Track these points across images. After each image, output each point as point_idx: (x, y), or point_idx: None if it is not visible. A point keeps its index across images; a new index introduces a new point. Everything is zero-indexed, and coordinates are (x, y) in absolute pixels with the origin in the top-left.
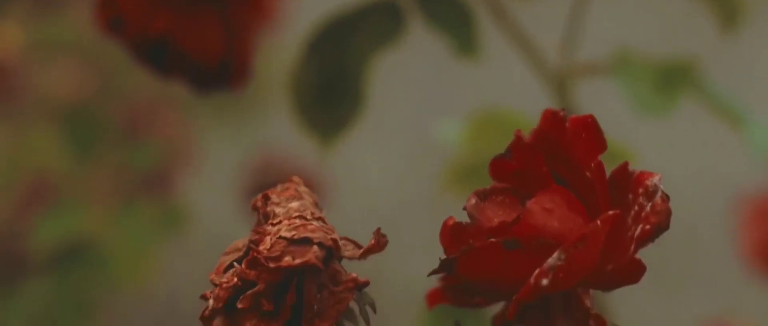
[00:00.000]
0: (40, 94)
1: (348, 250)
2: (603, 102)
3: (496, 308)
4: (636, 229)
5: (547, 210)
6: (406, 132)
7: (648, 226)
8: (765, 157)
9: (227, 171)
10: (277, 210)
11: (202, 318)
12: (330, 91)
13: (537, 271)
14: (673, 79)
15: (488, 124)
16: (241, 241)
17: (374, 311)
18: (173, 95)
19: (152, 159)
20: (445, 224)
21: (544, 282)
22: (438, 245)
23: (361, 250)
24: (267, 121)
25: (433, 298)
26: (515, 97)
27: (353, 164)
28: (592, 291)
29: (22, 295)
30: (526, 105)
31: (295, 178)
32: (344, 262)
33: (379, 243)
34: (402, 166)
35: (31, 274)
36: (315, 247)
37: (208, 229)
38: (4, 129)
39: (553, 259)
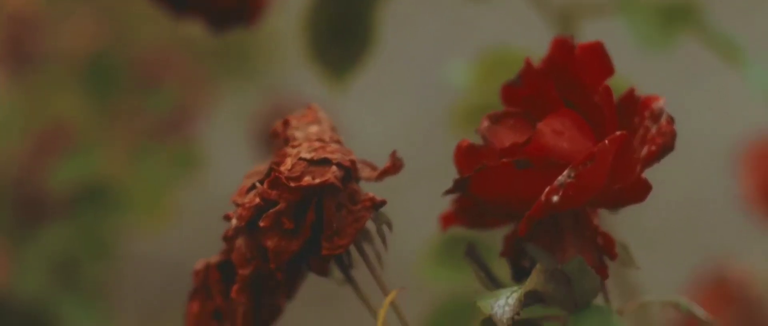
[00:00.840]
0: (57, 44)
1: (365, 172)
2: (607, 42)
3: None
4: (642, 150)
5: (557, 132)
6: (415, 74)
7: (654, 147)
8: (765, 96)
9: (239, 117)
10: (297, 134)
11: (225, 237)
12: (342, 29)
13: (547, 189)
14: (675, 17)
15: (496, 64)
16: (262, 165)
17: (390, 229)
18: (187, 43)
19: (167, 104)
20: (458, 146)
21: (555, 198)
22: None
23: (378, 172)
24: (278, 68)
25: (447, 220)
26: (521, 38)
27: (363, 108)
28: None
29: (41, 238)
30: (533, 46)
31: (314, 105)
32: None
33: (395, 165)
34: (411, 109)
35: (49, 217)
36: (334, 168)
37: (220, 172)
38: (23, 79)
39: (563, 177)
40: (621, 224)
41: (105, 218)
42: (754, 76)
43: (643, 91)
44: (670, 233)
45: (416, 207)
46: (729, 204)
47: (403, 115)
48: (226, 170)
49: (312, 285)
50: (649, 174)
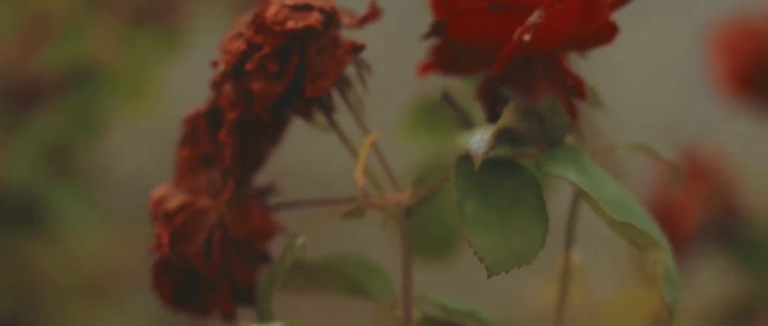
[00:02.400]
0: None
1: (346, 19)
2: None
3: None
4: None
5: None
6: None
7: None
8: None
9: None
10: None
11: (213, 83)
12: None
13: (519, 29)
14: None
15: None
16: (248, 15)
17: (370, 73)
18: None
19: None
20: None
21: (526, 37)
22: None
23: (358, 18)
24: None
25: (424, 69)
26: None
27: None
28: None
29: (31, 125)
30: None
31: None
32: None
33: (374, 12)
34: None
35: (39, 104)
36: (316, 12)
37: (208, 52)
38: None
39: (533, 17)
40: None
41: (94, 101)
42: None
43: None
44: (639, 113)
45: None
46: (698, 84)
47: None
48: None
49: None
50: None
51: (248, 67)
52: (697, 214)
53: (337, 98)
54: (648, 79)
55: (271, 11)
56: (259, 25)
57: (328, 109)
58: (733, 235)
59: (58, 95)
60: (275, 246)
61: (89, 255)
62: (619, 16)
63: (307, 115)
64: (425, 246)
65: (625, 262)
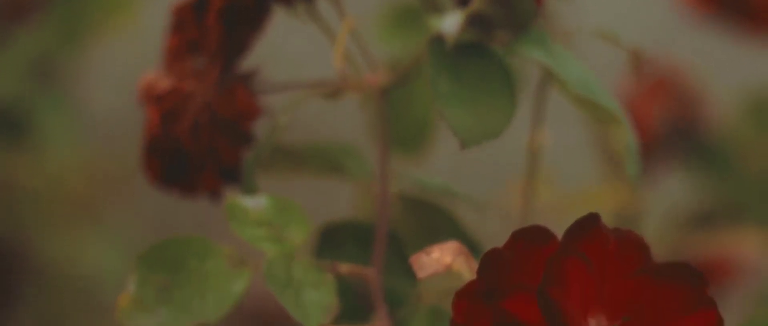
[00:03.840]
0: None
1: None
2: None
3: None
4: None
5: None
6: None
7: None
8: None
9: None
10: None
11: None
12: None
13: None
14: None
15: None
16: None
17: None
18: None
19: None
20: None
21: None
22: None
23: None
24: None
25: None
26: None
27: None
28: None
29: (18, 37)
30: None
31: None
32: None
33: None
34: None
35: (26, 16)
36: None
37: None
38: None
39: None
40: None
41: (79, 15)
42: None
43: None
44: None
45: None
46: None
47: None
48: None
49: None
50: None
51: None
52: (659, 122)
53: None
54: None
55: None
56: None
57: None
58: (695, 143)
59: (43, 10)
60: (259, 129)
61: (72, 171)
62: None
63: (288, 3)
64: (400, 135)
65: (593, 158)
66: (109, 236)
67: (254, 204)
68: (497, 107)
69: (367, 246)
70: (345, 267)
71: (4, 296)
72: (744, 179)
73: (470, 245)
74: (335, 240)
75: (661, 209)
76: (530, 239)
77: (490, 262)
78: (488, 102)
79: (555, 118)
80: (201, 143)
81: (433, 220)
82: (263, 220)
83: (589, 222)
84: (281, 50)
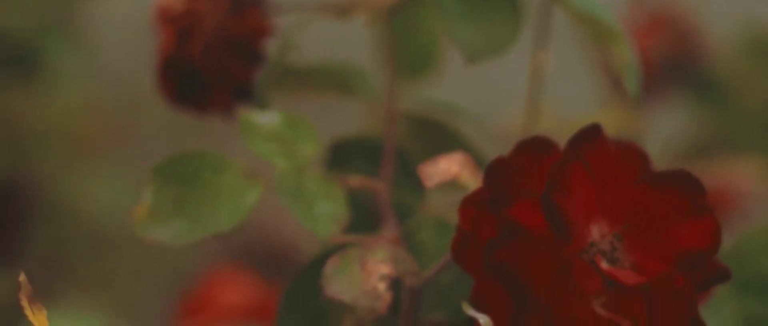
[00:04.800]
0: None
1: None
2: None
3: None
4: None
5: None
6: None
7: None
8: None
9: None
10: None
11: None
12: None
13: None
14: None
15: None
16: None
17: None
18: None
19: None
20: None
21: None
22: None
23: None
24: None
25: None
26: None
27: None
28: None
29: None
30: None
31: None
32: None
33: None
34: None
35: None
36: None
37: None
38: None
39: None
40: None
41: None
42: None
43: None
44: None
45: None
46: None
47: None
48: None
49: None
50: None
51: None
52: (657, 56)
53: None
54: None
55: None
56: None
57: None
58: (692, 77)
59: None
60: (270, 48)
61: (81, 108)
62: None
63: None
64: (406, 59)
65: (593, 83)
66: (117, 173)
67: (266, 119)
68: (503, 24)
69: (376, 162)
70: (354, 180)
71: (12, 232)
72: (740, 112)
73: (476, 161)
74: (344, 156)
75: (658, 141)
76: (534, 148)
77: (496, 170)
78: (494, 19)
79: (556, 42)
80: (214, 62)
81: (440, 139)
82: (275, 135)
83: (592, 132)
84: None
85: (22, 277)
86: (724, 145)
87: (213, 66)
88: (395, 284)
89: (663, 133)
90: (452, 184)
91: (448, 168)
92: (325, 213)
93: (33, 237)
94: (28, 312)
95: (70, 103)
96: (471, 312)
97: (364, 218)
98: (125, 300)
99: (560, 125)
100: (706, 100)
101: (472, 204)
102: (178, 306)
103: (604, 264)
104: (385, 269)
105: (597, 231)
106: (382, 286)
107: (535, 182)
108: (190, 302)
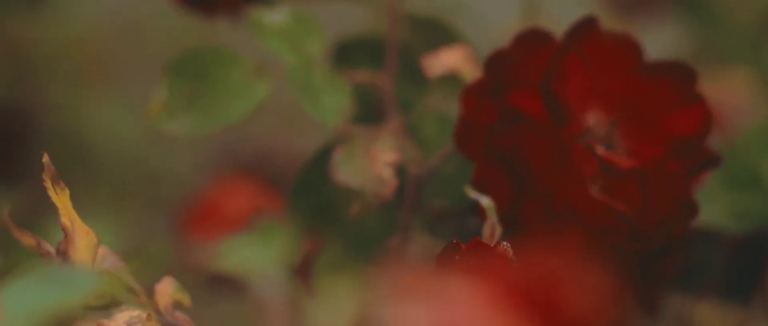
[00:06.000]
0: None
1: None
2: None
3: None
4: None
5: None
6: None
7: None
8: None
9: None
10: None
11: None
12: None
13: None
14: None
15: None
16: None
17: None
18: None
19: None
20: None
21: None
22: None
23: None
24: None
25: None
26: None
27: None
28: None
29: None
30: None
31: None
32: None
33: None
34: None
35: None
36: None
37: None
38: None
39: None
40: None
41: None
42: None
43: None
44: None
45: None
46: None
47: None
48: None
49: None
50: None
51: None
52: None
53: None
54: None
55: None
56: None
57: None
58: None
59: None
60: None
61: (87, 32)
62: None
63: None
64: None
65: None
66: (123, 97)
67: (275, 17)
68: None
69: (380, 59)
70: (359, 75)
71: (14, 156)
72: (729, 26)
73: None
74: (349, 54)
75: (649, 55)
76: (532, 40)
77: (496, 61)
78: None
79: None
80: None
81: (442, 38)
82: (283, 32)
83: (588, 24)
84: None
85: (45, 158)
86: (713, 59)
87: None
88: (400, 173)
89: (653, 47)
90: (452, 80)
91: (449, 60)
92: (331, 104)
93: (37, 161)
94: (51, 193)
95: (75, 29)
96: (473, 194)
97: (368, 110)
98: (131, 220)
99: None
100: (695, 14)
101: (473, 93)
102: (183, 216)
103: (600, 149)
104: (389, 156)
105: (593, 119)
106: (387, 172)
107: (533, 72)
108: (196, 211)
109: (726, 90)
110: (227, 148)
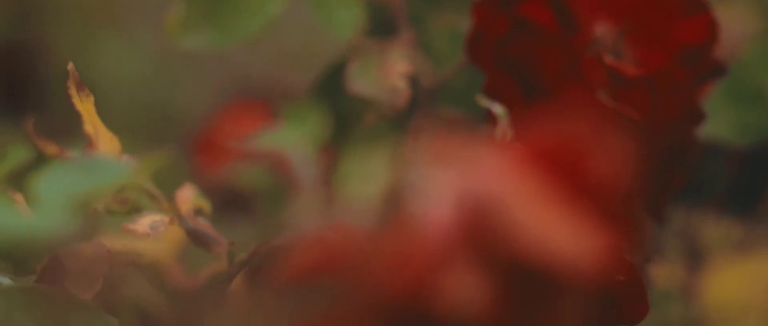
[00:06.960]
0: None
1: None
2: None
3: None
4: None
5: None
6: None
7: None
8: None
9: None
10: None
11: None
12: None
13: None
14: None
15: None
16: None
17: None
18: None
19: None
20: None
21: None
22: None
23: None
24: None
25: None
26: None
27: None
28: None
29: None
30: None
31: None
32: None
33: None
34: None
35: None
36: None
37: None
38: None
39: None
40: None
41: None
42: None
43: None
44: None
45: None
46: None
47: None
48: None
49: None
50: None
51: None
52: None
53: None
54: None
55: None
56: None
57: None
58: None
59: None
60: None
61: None
62: None
63: None
64: None
65: None
66: (129, 44)
67: None
68: None
69: None
70: None
71: (19, 101)
72: None
73: None
74: None
75: None
76: None
77: None
78: None
79: None
80: None
81: None
82: None
83: None
84: None
85: (70, 66)
86: None
87: None
88: (413, 84)
89: None
90: None
91: None
92: (343, 18)
93: (39, 107)
94: (75, 100)
95: None
96: (485, 102)
97: (380, 25)
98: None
99: None
100: None
101: (484, 5)
102: (193, 143)
103: (608, 58)
104: (402, 67)
105: (601, 29)
106: (400, 82)
107: None
108: (206, 137)
109: (728, 18)
110: (232, 86)
